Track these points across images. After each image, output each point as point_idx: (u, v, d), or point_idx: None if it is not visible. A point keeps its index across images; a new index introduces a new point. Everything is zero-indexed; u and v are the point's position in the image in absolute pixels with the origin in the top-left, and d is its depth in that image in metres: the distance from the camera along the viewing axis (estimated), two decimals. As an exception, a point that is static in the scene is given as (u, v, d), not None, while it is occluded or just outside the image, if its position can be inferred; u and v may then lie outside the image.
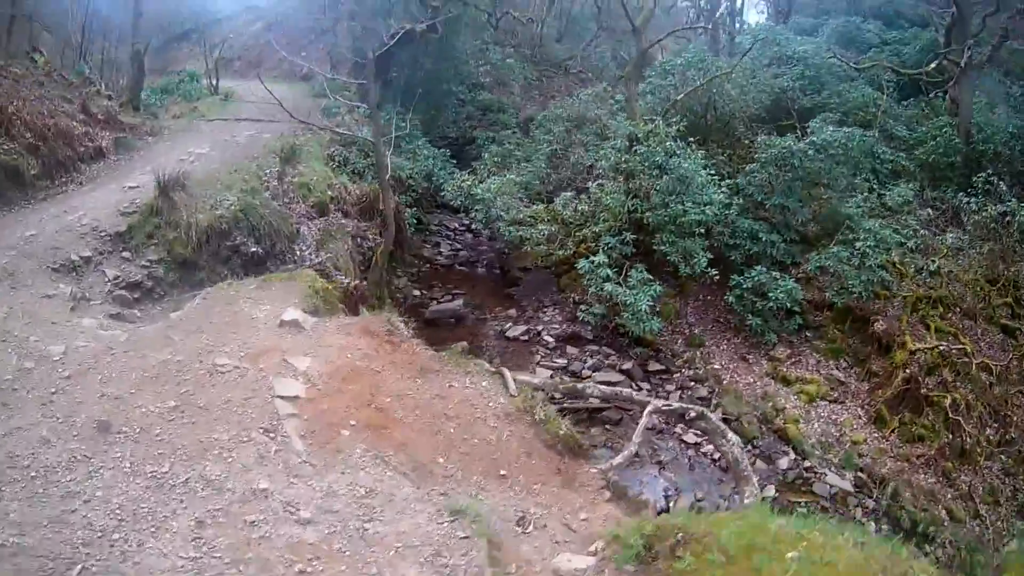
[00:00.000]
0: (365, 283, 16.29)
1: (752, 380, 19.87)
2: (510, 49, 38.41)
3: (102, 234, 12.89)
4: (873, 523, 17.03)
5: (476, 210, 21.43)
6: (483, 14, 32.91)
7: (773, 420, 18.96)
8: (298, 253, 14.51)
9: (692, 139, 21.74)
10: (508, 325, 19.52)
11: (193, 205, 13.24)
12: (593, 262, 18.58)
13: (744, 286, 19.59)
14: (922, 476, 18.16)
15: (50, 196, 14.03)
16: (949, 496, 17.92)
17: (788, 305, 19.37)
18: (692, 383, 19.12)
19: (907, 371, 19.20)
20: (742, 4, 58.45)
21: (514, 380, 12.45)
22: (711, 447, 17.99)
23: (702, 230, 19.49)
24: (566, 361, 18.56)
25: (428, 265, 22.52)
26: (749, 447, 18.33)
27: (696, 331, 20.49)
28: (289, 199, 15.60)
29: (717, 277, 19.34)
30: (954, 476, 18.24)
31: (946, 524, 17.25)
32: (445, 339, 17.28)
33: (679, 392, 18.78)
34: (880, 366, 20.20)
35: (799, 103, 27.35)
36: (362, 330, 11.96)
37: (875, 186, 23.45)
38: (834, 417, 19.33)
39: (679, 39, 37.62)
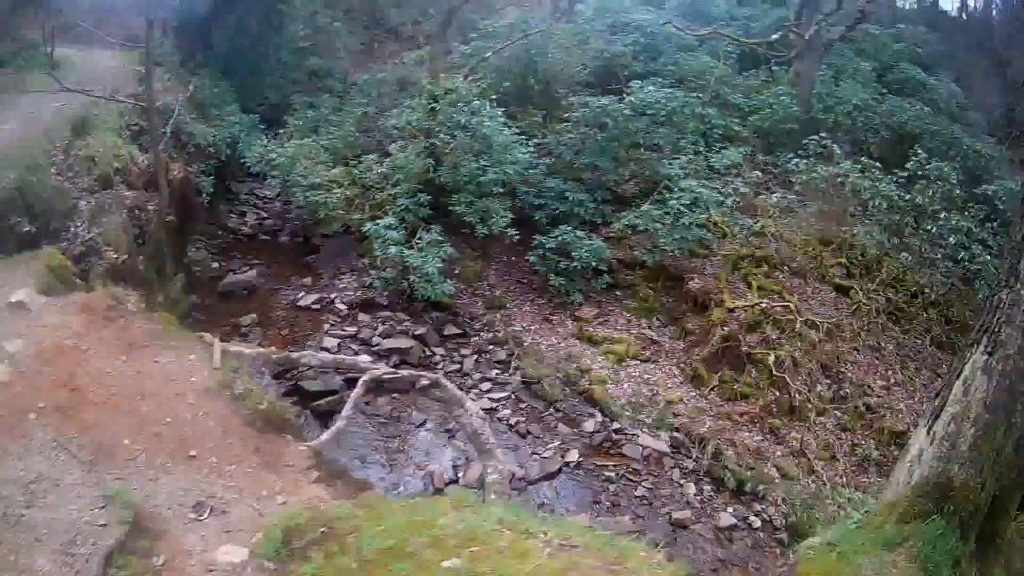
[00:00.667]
0: (140, 258, 16.24)
1: (556, 341, 20.25)
2: (340, 13, 38.43)
3: None
4: (693, 484, 17.80)
5: (272, 176, 22.29)
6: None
7: (578, 382, 19.51)
8: (72, 230, 14.51)
9: (510, 101, 23.52)
10: (301, 294, 20.09)
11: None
12: (380, 224, 19.32)
13: (547, 245, 20.70)
14: (747, 434, 19.01)
15: None
16: (779, 454, 18.78)
17: (594, 264, 20.59)
18: (491, 346, 19.76)
19: (726, 329, 20.37)
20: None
21: (221, 352, 12.16)
22: (508, 411, 18.54)
23: (500, 189, 20.64)
24: (356, 329, 18.98)
25: (232, 236, 23.10)
26: (551, 410, 18.96)
27: (497, 293, 21.36)
28: (74, 173, 15.71)
29: (517, 237, 20.51)
30: (783, 433, 19.22)
31: (777, 482, 18.01)
32: (236, 312, 18.27)
33: (475, 356, 19.49)
34: (696, 324, 21.31)
35: (630, 69, 29.27)
36: (81, 307, 11.75)
37: (702, 149, 25.06)
38: (646, 377, 20.05)
39: (522, 6, 38.60)
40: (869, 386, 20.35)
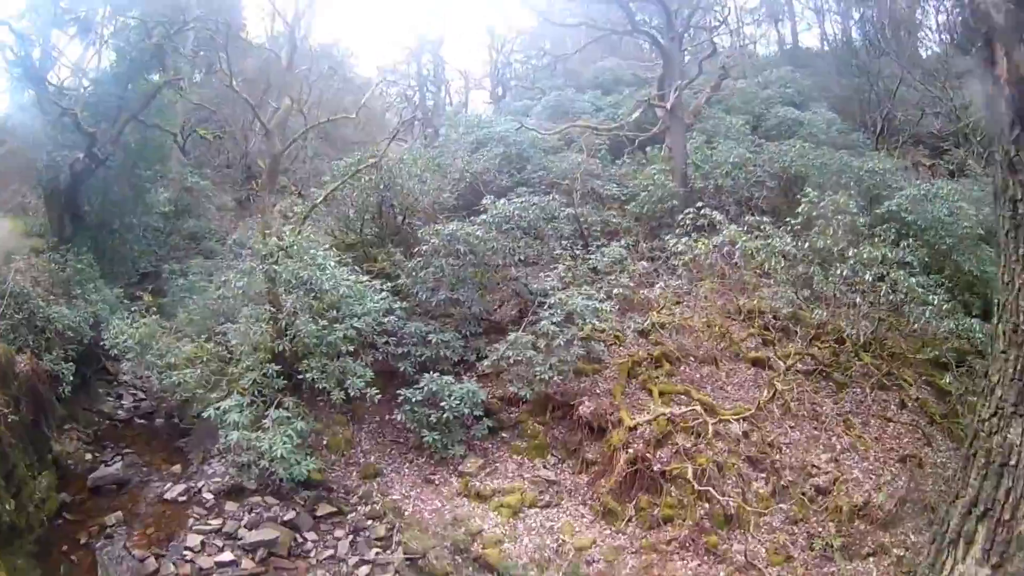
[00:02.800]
0: None
1: (440, 504, 17.50)
2: (213, 171, 36.57)
3: None
4: None
5: (127, 359, 20.29)
6: (168, 136, 31.40)
7: (469, 548, 16.25)
8: None
9: (368, 243, 22.13)
10: (168, 485, 18.02)
11: None
12: (220, 408, 17.18)
13: (413, 399, 18.20)
14: (680, 563, 15.62)
15: None
16: (722, 575, 15.31)
17: (468, 411, 18.08)
18: (369, 521, 17.13)
19: (630, 450, 17.14)
20: (465, 97, 63.11)
21: None
22: None
23: (352, 347, 18.36)
24: (222, 521, 16.67)
25: (107, 420, 21.35)
26: None
27: (372, 459, 18.80)
28: None
29: (379, 396, 17.89)
30: (724, 549, 15.83)
31: None
32: (105, 509, 16.67)
33: (351, 536, 16.75)
34: (596, 452, 18.16)
35: (496, 184, 27.67)
36: None
37: (579, 252, 23.09)
38: (549, 525, 16.78)
39: (400, 141, 36.64)
40: (813, 464, 17.24)
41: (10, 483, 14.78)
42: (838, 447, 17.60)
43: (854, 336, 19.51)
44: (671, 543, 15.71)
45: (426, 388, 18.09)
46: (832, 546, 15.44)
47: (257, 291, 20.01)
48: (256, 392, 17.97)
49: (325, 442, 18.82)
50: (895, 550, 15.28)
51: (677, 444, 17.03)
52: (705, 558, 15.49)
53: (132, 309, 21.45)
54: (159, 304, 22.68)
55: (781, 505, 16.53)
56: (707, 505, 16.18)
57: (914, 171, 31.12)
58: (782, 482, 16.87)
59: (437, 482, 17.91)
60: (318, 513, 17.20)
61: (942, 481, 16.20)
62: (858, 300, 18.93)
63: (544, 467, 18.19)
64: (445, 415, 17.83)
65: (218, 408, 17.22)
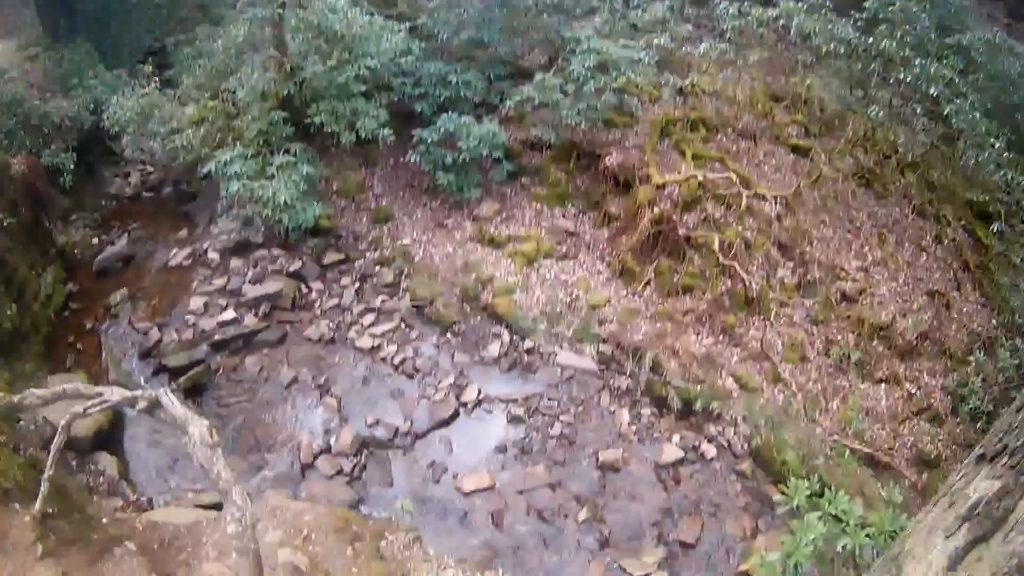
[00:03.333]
0: None
1: (451, 250, 16.47)
2: None
3: None
4: (627, 411, 13.73)
5: (127, 133, 18.51)
6: None
7: (478, 296, 15.39)
8: None
9: None
10: (174, 251, 17.26)
11: None
12: (220, 160, 16.10)
13: (428, 139, 16.78)
14: (693, 338, 14.70)
15: None
16: (735, 360, 14.49)
17: (487, 152, 16.69)
18: (377, 268, 16.40)
19: (656, 210, 15.71)
20: None
21: None
22: (393, 347, 14.58)
23: (363, 88, 17.05)
24: (226, 279, 16.04)
25: (115, 202, 20.31)
26: (447, 336, 15.02)
27: (383, 203, 17.67)
28: None
29: (393, 139, 16.68)
30: (739, 333, 14.90)
31: (735, 397, 13.91)
32: (110, 289, 16.13)
33: (357, 284, 16.10)
34: (620, 207, 16.74)
35: None
36: None
37: (619, 7, 20.68)
38: (564, 278, 15.70)
39: None
40: (842, 268, 16.08)
41: (11, 288, 14.41)
42: (869, 258, 16.40)
43: (904, 150, 18.02)
44: (687, 314, 14.76)
45: (443, 128, 16.55)
46: (849, 359, 14.59)
47: (263, 38, 18.26)
48: (262, 142, 16.65)
49: (335, 188, 17.70)
50: (907, 384, 14.51)
51: (706, 211, 15.71)
52: (720, 337, 14.60)
53: (134, 85, 19.83)
54: (165, 76, 21.09)
55: (804, 300, 15.47)
56: (729, 282, 15.10)
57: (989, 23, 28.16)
58: (809, 277, 15.69)
59: (450, 226, 16.76)
60: (325, 262, 16.46)
61: (966, 332, 15.42)
62: (918, 110, 17.14)
63: (564, 217, 16.97)
64: (462, 156, 16.40)
65: (219, 161, 16.05)
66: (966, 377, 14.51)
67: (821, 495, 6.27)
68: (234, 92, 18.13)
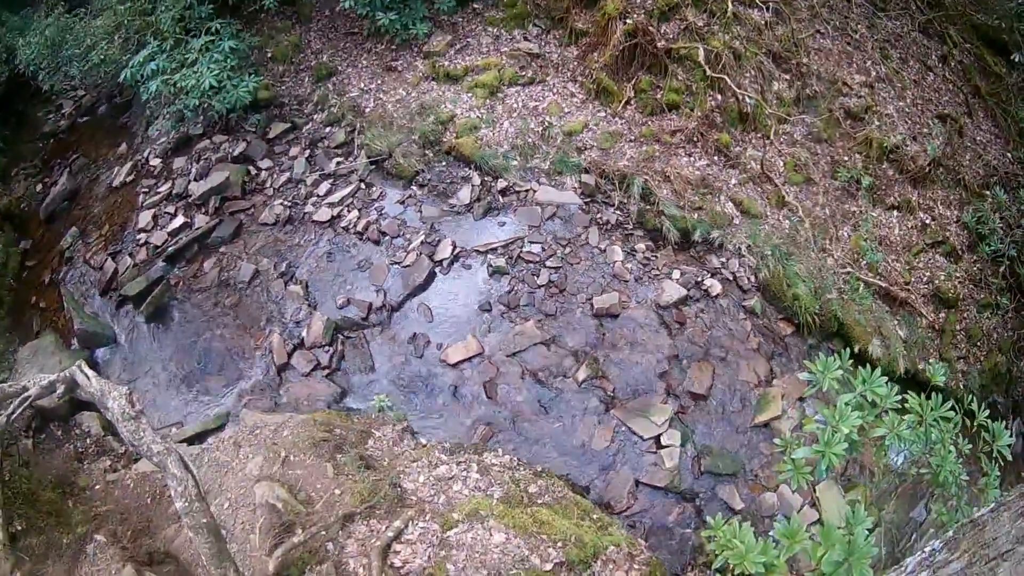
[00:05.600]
0: None
1: (404, 93, 14.02)
2: None
3: None
4: (619, 247, 11.76)
5: (42, 69, 16.43)
6: None
7: (440, 139, 13.09)
8: None
9: None
10: (115, 170, 15.31)
11: None
12: (133, 64, 13.96)
13: None
14: (685, 160, 12.62)
15: None
16: (733, 182, 12.50)
17: None
18: (326, 129, 14.04)
19: (628, 21, 13.24)
20: None
21: None
22: (355, 214, 12.58)
23: None
24: (170, 184, 14.09)
25: (52, 139, 18.29)
26: (412, 188, 12.82)
27: (324, 59, 15.24)
28: None
29: None
30: (736, 153, 12.84)
31: (736, 223, 12.05)
32: (61, 232, 14.55)
33: (307, 152, 13.84)
34: (589, 22, 14.18)
35: None
36: None
37: None
38: (533, 105, 13.37)
39: None
40: (844, 83, 13.93)
41: None
42: (873, 74, 14.27)
43: None
44: (676, 134, 12.58)
45: None
46: (859, 182, 12.82)
47: None
48: (180, 31, 14.29)
49: (270, 54, 15.34)
50: (921, 213, 12.99)
51: (687, 20, 13.30)
52: (715, 158, 12.51)
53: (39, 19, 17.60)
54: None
55: (804, 117, 13.43)
56: (719, 97, 12.95)
57: None
58: (808, 91, 13.53)
59: (400, 68, 14.25)
60: (271, 135, 14.29)
61: (981, 164, 13.84)
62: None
63: (525, 39, 14.46)
64: None
65: (132, 65, 13.82)
66: (986, 214, 13.00)
67: (848, 350, 5.52)
68: None
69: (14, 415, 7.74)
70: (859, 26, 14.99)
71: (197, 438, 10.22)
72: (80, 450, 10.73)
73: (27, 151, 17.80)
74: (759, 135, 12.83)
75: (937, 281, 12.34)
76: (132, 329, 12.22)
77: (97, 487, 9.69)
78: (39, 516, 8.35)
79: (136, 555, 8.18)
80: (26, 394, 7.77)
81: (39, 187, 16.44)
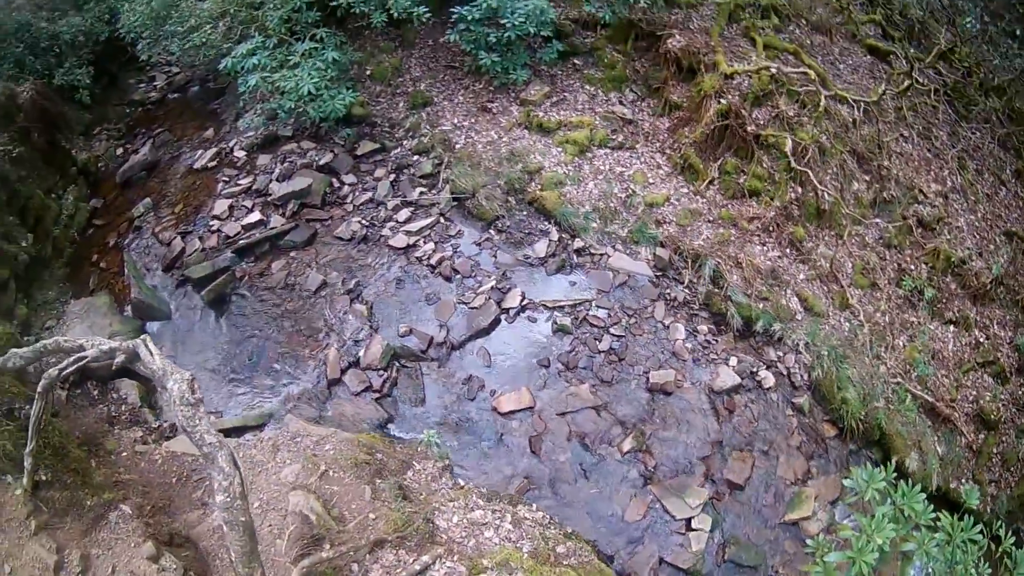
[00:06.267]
0: None
1: (496, 136, 14.07)
2: None
3: None
4: (682, 325, 11.76)
5: (143, 38, 16.62)
6: None
7: (525, 188, 13.20)
8: None
9: None
10: (199, 152, 15.48)
11: None
12: (237, 55, 14.00)
13: (469, 17, 14.15)
14: (758, 249, 12.68)
15: None
16: (802, 278, 12.56)
17: (535, 30, 14.05)
18: (414, 158, 14.15)
19: (723, 101, 13.36)
20: None
21: None
22: (431, 246, 12.66)
23: None
24: (252, 179, 14.20)
25: (140, 108, 18.55)
26: (490, 233, 12.89)
27: (422, 87, 15.40)
28: None
29: (428, 15, 14.03)
30: (808, 248, 12.87)
31: (799, 319, 12.08)
32: (134, 200, 14.72)
33: (392, 176, 13.90)
34: (683, 95, 14.34)
35: None
36: None
37: None
38: (619, 171, 13.44)
39: None
40: (920, 190, 14.03)
41: (26, 218, 13.47)
42: (949, 183, 14.41)
43: (990, 72, 15.77)
44: (753, 221, 12.69)
45: (485, 4, 13.95)
46: (922, 293, 12.92)
47: None
48: (286, 32, 14.43)
49: (369, 72, 15.60)
50: (976, 331, 13.01)
51: (779, 108, 13.39)
52: (787, 250, 12.61)
53: None
54: None
55: (878, 220, 13.51)
56: (800, 189, 13.03)
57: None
58: (885, 194, 13.67)
59: (495, 111, 14.36)
60: (358, 152, 14.36)
61: None
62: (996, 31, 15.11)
63: (620, 102, 14.57)
64: (507, 35, 13.94)
65: (235, 55, 13.90)
66: (1040, 337, 13.06)
67: (887, 461, 5.58)
68: None
69: (66, 371, 7.68)
70: (941, 132, 15.07)
71: (235, 431, 10.24)
72: (113, 414, 10.81)
73: (113, 114, 17.98)
74: (833, 233, 12.87)
75: (982, 401, 12.32)
76: (189, 310, 12.39)
77: (124, 454, 9.77)
78: (66, 471, 8.35)
79: (158, 533, 8.19)
80: (83, 354, 7.62)
81: (119, 151, 16.59)
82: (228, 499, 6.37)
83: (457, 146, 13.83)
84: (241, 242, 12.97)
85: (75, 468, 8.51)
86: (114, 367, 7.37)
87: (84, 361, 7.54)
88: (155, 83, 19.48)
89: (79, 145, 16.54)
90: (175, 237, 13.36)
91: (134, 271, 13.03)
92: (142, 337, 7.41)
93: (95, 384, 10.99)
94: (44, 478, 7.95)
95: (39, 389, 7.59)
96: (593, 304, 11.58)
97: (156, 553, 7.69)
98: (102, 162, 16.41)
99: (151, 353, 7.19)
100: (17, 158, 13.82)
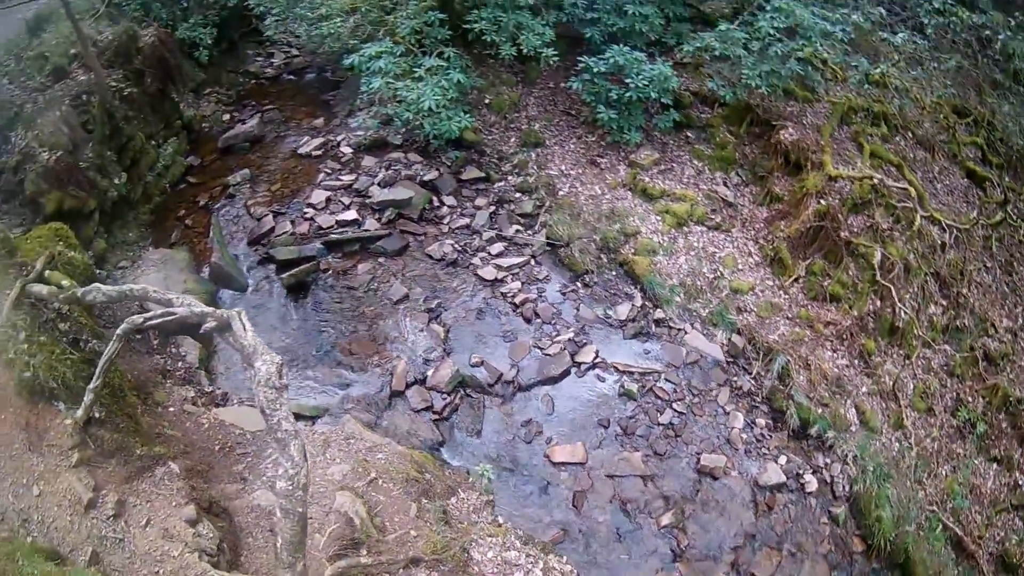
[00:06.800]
0: (91, 144, 12.98)
1: (600, 192, 14.29)
2: None
3: None
4: (742, 415, 11.93)
5: (272, 14, 17.09)
6: None
7: (619, 249, 13.41)
8: (13, 141, 12.53)
9: None
10: (305, 139, 15.72)
11: None
12: (364, 54, 14.14)
13: (595, 69, 14.39)
14: (829, 354, 12.80)
15: None
16: (864, 390, 12.66)
17: (656, 95, 14.31)
18: (517, 195, 14.46)
19: (823, 202, 13.60)
20: None
21: (21, 295, 8.42)
22: (517, 285, 12.88)
23: (531, 1, 14.86)
24: (354, 177, 14.42)
25: (253, 80, 18.98)
26: (577, 285, 13.13)
27: (536, 127, 15.53)
28: (25, 76, 13.71)
29: (556, 58, 14.35)
30: (875, 362, 12.94)
31: (853, 430, 12.17)
32: (232, 168, 15.00)
33: (493, 208, 14.20)
34: (786, 188, 14.51)
35: None
36: None
37: None
38: (711, 251, 13.68)
39: None
40: (992, 323, 14.16)
41: (123, 156, 13.70)
42: (1020, 321, 14.53)
43: None
44: (828, 327, 12.82)
45: (612, 60, 14.20)
46: (974, 426, 12.95)
47: None
48: (415, 42, 14.62)
49: (487, 101, 15.77)
50: (1018, 472, 12.99)
51: (874, 219, 13.59)
52: (855, 362, 12.75)
53: None
54: None
55: (947, 347, 13.61)
56: (879, 303, 13.20)
57: None
58: (958, 322, 13.81)
59: (603, 166, 14.58)
60: (463, 177, 14.60)
61: None
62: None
63: (724, 184, 14.75)
64: (628, 94, 14.11)
65: (363, 55, 14.06)
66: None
67: None
68: None
69: (152, 322, 7.58)
70: (1022, 267, 15.16)
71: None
72: (168, 368, 10.94)
73: (226, 79, 18.21)
74: (902, 352, 13.00)
75: (1008, 543, 12.43)
76: (266, 288, 12.64)
77: (171, 409, 9.97)
78: (120, 414, 8.42)
79: (199, 498, 8.18)
80: (172, 310, 7.53)
81: (226, 117, 16.87)
82: (291, 487, 6.39)
83: (560, 192, 14.09)
84: (332, 236, 13.12)
85: (128, 413, 8.63)
86: (201, 331, 7.31)
87: (172, 318, 7.50)
88: (272, 60, 19.71)
89: (188, 101, 16.78)
90: (267, 214, 13.63)
91: (219, 236, 13.27)
92: (236, 310, 7.38)
93: (155, 334, 11.12)
94: (97, 415, 7.98)
95: (118, 331, 7.62)
96: (662, 376, 11.80)
97: (196, 518, 7.70)
98: (207, 123, 16.70)
99: (244, 328, 7.14)
100: (127, 98, 14.07)
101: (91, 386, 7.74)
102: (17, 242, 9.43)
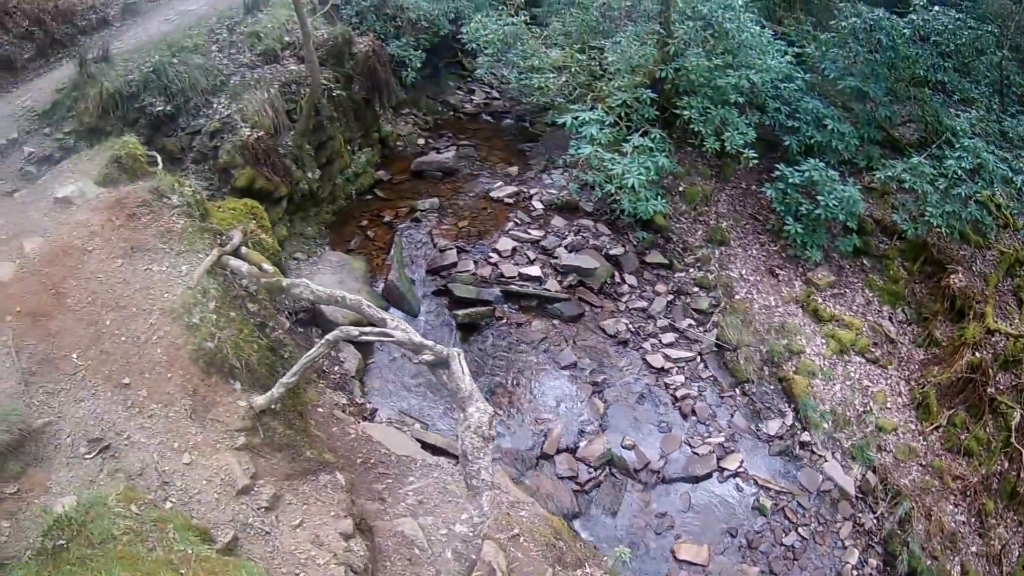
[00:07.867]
0: (292, 132, 13.55)
1: (773, 303, 14.69)
2: None
3: (33, 114, 12.33)
4: (858, 552, 12.18)
5: (485, 54, 17.29)
6: None
7: (782, 364, 13.77)
8: (215, 107, 13.04)
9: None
10: (499, 184, 15.90)
11: (112, 73, 12.53)
12: (578, 119, 14.33)
13: (790, 180, 14.82)
14: (951, 508, 13.13)
15: (40, 76, 13.36)
16: (973, 550, 12.92)
17: (842, 218, 14.67)
18: (695, 288, 14.71)
19: (977, 355, 13.78)
20: None
21: (214, 266, 8.70)
22: (681, 379, 13.27)
23: (742, 99, 15.05)
24: (543, 233, 14.61)
25: (451, 112, 19.41)
26: (735, 392, 13.49)
27: (723, 225, 15.79)
28: (236, 50, 14.06)
29: (756, 160, 14.32)
30: (990, 524, 13.13)
31: None
32: (421, 193, 15.34)
33: (671, 297, 14.48)
34: (946, 334, 14.72)
35: None
36: (114, 202, 9.24)
37: (995, 107, 17.42)
38: (866, 384, 13.98)
39: None
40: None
41: (321, 153, 14.08)
42: None
43: None
44: (956, 481, 13.12)
45: (807, 174, 14.51)
46: None
47: (647, 10, 16.48)
48: (622, 115, 14.84)
49: (681, 189, 15.94)
50: None
51: (1021, 380, 13.68)
52: (972, 520, 12.99)
53: (499, 8, 18.01)
54: (532, 12, 18.90)
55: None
56: (1007, 464, 13.29)
57: None
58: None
59: (781, 278, 14.92)
60: (647, 259, 14.80)
61: None
62: None
63: (890, 319, 14.96)
64: (817, 212, 14.42)
65: (576, 118, 14.26)
66: None
67: None
68: (602, 52, 16.42)
69: (365, 337, 7.62)
70: None
71: (431, 448, 10.35)
72: (324, 369, 10.96)
73: (425, 105, 18.58)
74: (1016, 519, 13.17)
75: None
76: (436, 319, 12.78)
77: (320, 411, 9.90)
78: (293, 411, 8.35)
79: (356, 513, 7.88)
80: (388, 331, 7.53)
81: (421, 140, 17.30)
82: (471, 534, 6.44)
83: (736, 296, 14.43)
84: (513, 287, 13.24)
85: (301, 412, 8.59)
86: (415, 362, 7.62)
87: (389, 339, 7.58)
88: (472, 97, 20.03)
89: (387, 116, 17.11)
90: (451, 248, 13.76)
91: (399, 256, 13.43)
92: (456, 350, 7.35)
93: (319, 334, 10.98)
94: (275, 408, 7.85)
95: (328, 337, 7.68)
96: (795, 498, 12.23)
97: (351, 533, 7.40)
98: (401, 142, 17.01)
99: (463, 371, 7.02)
100: (334, 99, 14.35)
101: (285, 379, 7.74)
102: (208, 207, 9.62)
